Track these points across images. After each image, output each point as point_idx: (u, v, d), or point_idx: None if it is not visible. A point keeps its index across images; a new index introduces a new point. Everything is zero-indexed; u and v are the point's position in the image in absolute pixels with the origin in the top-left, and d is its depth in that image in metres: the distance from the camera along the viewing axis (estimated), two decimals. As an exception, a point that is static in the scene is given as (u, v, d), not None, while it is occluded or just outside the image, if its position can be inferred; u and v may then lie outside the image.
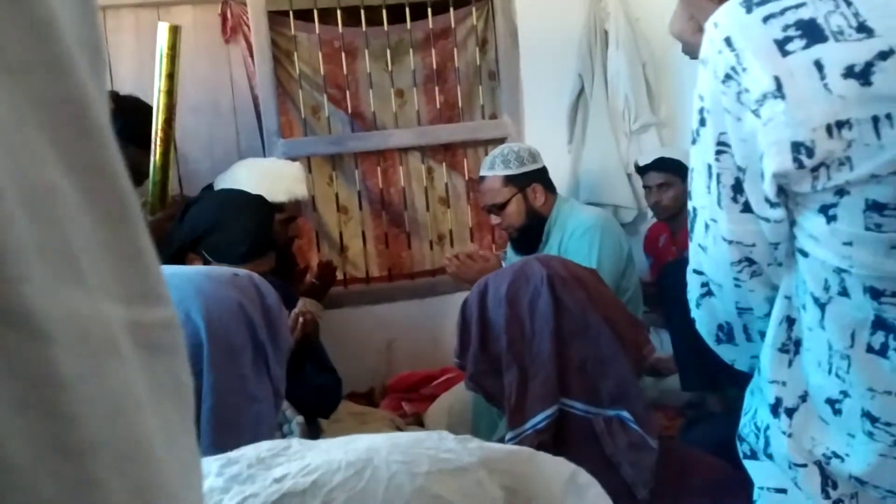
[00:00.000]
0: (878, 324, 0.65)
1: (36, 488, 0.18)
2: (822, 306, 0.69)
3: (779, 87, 0.59)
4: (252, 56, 2.72)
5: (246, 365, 0.98)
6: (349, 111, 2.88)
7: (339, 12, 2.80)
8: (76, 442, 0.19)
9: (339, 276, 2.87)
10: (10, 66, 0.19)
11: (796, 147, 0.60)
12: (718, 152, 0.68)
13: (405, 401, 2.64)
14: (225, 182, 2.16)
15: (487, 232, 3.02)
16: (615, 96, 2.74)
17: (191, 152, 2.77)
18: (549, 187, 2.24)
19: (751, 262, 0.73)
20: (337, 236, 2.94)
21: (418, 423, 2.49)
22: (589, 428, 1.10)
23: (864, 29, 0.57)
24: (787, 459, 0.78)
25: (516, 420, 1.15)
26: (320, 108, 2.88)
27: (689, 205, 0.76)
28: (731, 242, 0.72)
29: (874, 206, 0.59)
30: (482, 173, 2.25)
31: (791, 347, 0.75)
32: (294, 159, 2.74)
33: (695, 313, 0.86)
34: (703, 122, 0.69)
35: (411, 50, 2.89)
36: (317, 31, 2.81)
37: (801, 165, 0.61)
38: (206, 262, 1.66)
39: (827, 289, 0.67)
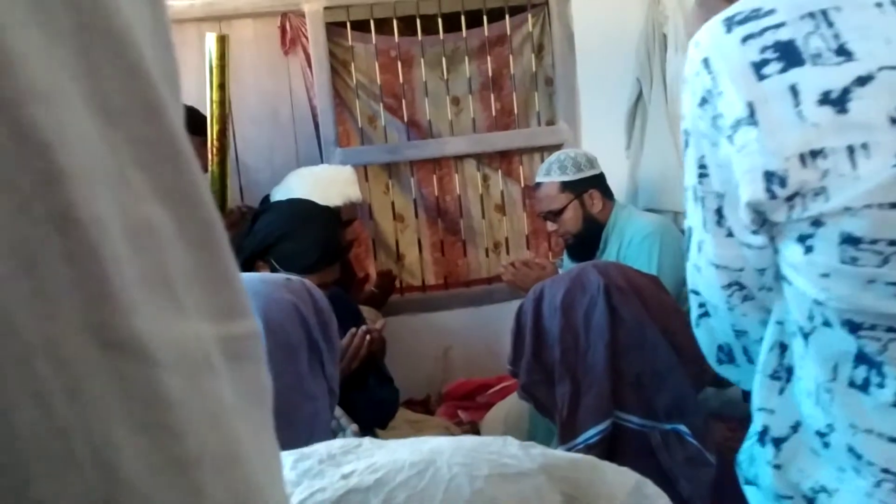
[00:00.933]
0: (861, 357, 0.61)
1: (153, 500, 0.21)
2: (805, 336, 0.66)
3: (752, 113, 0.56)
4: (310, 67, 2.77)
5: (302, 363, 1.01)
6: (405, 120, 2.90)
7: (395, 22, 2.83)
8: (184, 454, 0.21)
9: (396, 283, 2.89)
10: (110, 111, 0.21)
11: (769, 177, 0.57)
12: (700, 175, 0.65)
13: (461, 409, 2.63)
14: (280, 192, 2.20)
15: (544, 239, 2.99)
16: (674, 100, 2.69)
17: (251, 162, 2.82)
18: (607, 193, 2.21)
19: (741, 286, 0.70)
20: (393, 244, 2.95)
21: (474, 431, 2.48)
22: (645, 442, 1.08)
23: (843, 52, 0.53)
24: (773, 491, 0.74)
25: (568, 434, 1.13)
26: (377, 118, 2.90)
27: (685, 223, 0.74)
28: (718, 267, 0.70)
29: (849, 240, 0.56)
30: (538, 179, 2.23)
31: (783, 374, 0.72)
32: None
33: (695, 332, 0.83)
34: (686, 144, 0.66)
35: (467, 58, 2.89)
36: (373, 41, 2.84)
37: (773, 196, 0.57)
38: (274, 271, 1.69)
39: (811, 318, 0.64)
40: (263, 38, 2.79)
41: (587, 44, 2.82)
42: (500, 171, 2.97)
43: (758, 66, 0.56)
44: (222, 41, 1.94)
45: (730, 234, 0.66)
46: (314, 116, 2.81)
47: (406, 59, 2.88)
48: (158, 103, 0.23)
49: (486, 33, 2.89)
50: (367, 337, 1.73)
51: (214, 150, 1.98)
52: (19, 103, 0.18)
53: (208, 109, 2.00)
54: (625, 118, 2.80)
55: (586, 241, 2.16)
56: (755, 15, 0.57)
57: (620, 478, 0.55)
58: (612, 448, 1.09)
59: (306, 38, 2.76)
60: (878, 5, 0.53)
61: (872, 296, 0.57)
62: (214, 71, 1.94)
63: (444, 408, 2.67)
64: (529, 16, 2.90)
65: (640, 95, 2.76)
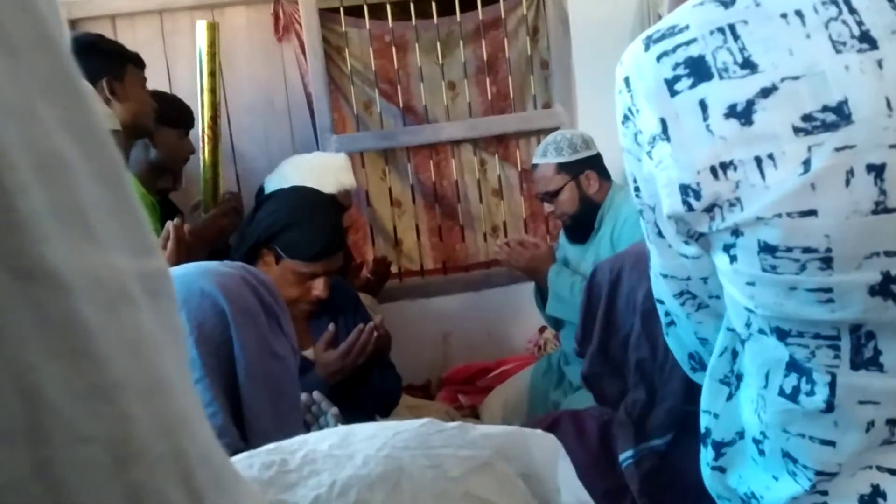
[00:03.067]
0: (791, 365, 0.62)
1: (76, 426, 0.21)
2: (743, 343, 0.67)
3: (664, 129, 0.57)
4: (304, 53, 2.76)
5: (262, 326, 1.05)
6: (401, 105, 2.89)
7: (388, 7, 2.81)
8: (105, 380, 0.22)
9: (394, 269, 2.89)
10: (13, 48, 0.21)
11: (684, 189, 0.57)
12: (635, 189, 0.66)
13: (461, 393, 2.65)
14: (274, 180, 2.20)
15: (541, 223, 2.99)
16: None
17: (247, 150, 2.82)
18: (604, 174, 2.21)
19: (692, 294, 0.70)
20: (391, 230, 2.95)
21: (474, 415, 2.49)
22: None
23: (748, 65, 0.54)
24: (713, 490, 0.75)
25: (639, 436, 1.13)
26: (372, 104, 2.89)
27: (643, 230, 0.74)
28: (666, 277, 0.70)
29: (766, 248, 0.56)
30: (535, 161, 2.23)
31: (732, 381, 0.72)
32: (347, 154, 2.77)
33: (667, 341, 0.84)
34: (624, 159, 0.67)
35: (462, 42, 2.88)
36: (367, 27, 2.83)
37: (691, 208, 0.58)
38: (278, 259, 1.69)
39: (748, 325, 0.65)
40: (256, 25, 2.78)
41: (582, 26, 2.80)
42: (496, 156, 2.96)
43: (671, 83, 0.57)
44: (212, 28, 1.94)
45: (670, 245, 0.66)
46: (309, 103, 2.80)
47: (400, 45, 2.87)
48: (52, 36, 0.23)
49: (481, 17, 2.87)
50: (374, 333, 1.73)
51: (207, 137, 1.97)
52: None
53: (199, 97, 1.99)
54: (621, 100, 2.79)
55: (582, 222, 2.16)
56: (670, 32, 0.58)
57: (544, 443, 0.54)
58: (671, 453, 1.10)
59: (299, 25, 2.74)
60: (783, 16, 0.54)
61: (795, 303, 0.57)
62: (205, 58, 1.94)
63: (444, 392, 2.68)
64: (524, -2, 2.89)
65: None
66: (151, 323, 0.24)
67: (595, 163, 2.18)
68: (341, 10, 2.80)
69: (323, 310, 1.80)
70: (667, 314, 0.79)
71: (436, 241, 2.98)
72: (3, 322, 0.20)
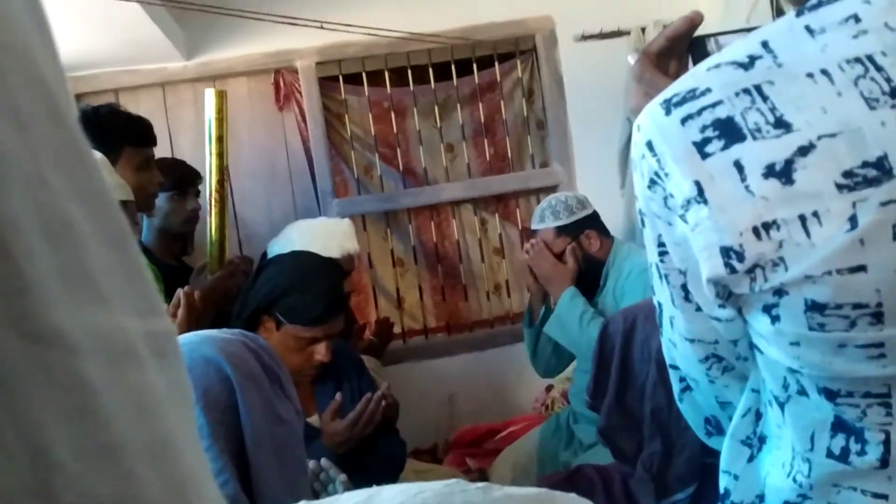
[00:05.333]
0: (839, 425, 0.61)
1: (85, 485, 0.21)
2: (781, 405, 0.65)
3: (700, 192, 0.57)
4: (305, 121, 2.81)
5: (266, 389, 1.05)
6: (401, 168, 2.93)
7: (386, 74, 2.87)
8: (111, 441, 0.22)
9: (398, 329, 2.88)
10: (22, 118, 0.22)
11: (726, 252, 0.57)
12: (661, 254, 0.65)
13: (469, 456, 2.61)
14: (279, 245, 2.21)
15: (544, 280, 3.00)
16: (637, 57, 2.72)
17: (250, 216, 2.84)
18: (603, 232, 2.22)
19: (718, 358, 0.69)
20: (394, 290, 2.96)
21: (483, 478, 2.45)
22: None
23: (781, 124, 0.54)
24: None
25: (660, 492, 1.12)
26: (372, 167, 2.93)
27: (654, 298, 0.73)
28: (693, 341, 0.68)
29: (814, 307, 0.55)
30: (533, 227, 2.25)
31: (755, 443, 0.71)
32: (349, 218, 2.80)
33: (680, 407, 0.82)
34: (643, 223, 0.66)
35: (459, 105, 2.93)
36: (366, 94, 2.89)
37: (733, 270, 0.57)
38: (279, 325, 1.69)
39: (786, 387, 0.64)
40: (258, 94, 2.84)
41: (576, 87, 2.86)
42: (497, 215, 2.99)
43: (700, 146, 0.57)
44: (220, 96, 1.99)
45: (698, 309, 0.65)
46: (310, 169, 2.84)
47: (399, 109, 2.93)
48: (61, 109, 0.24)
49: (477, 81, 2.94)
50: (382, 402, 1.72)
51: (214, 200, 2.00)
52: None
53: (207, 162, 2.03)
54: (617, 157, 2.83)
55: (588, 280, 2.16)
56: (691, 96, 0.58)
57: None
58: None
59: (300, 94, 2.80)
60: (810, 75, 0.54)
61: (844, 360, 0.56)
62: (213, 125, 1.98)
63: (451, 456, 2.64)
64: (518, 62, 2.96)
65: (631, 132, 2.79)
66: (158, 382, 0.25)
67: (593, 221, 2.20)
68: (340, 78, 2.86)
69: (327, 375, 1.79)
70: (681, 380, 0.77)
71: (438, 300, 2.99)
72: (11, 382, 0.20)
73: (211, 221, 2.03)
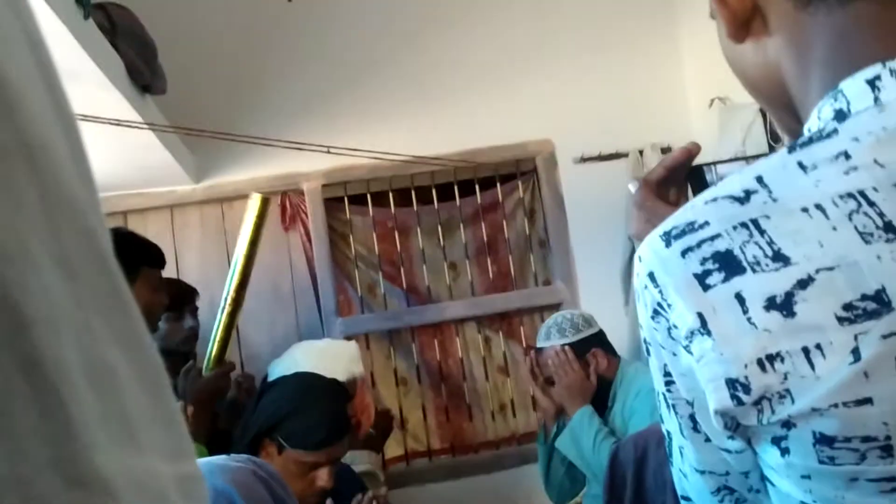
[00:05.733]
0: None
1: None
2: None
3: (703, 323, 0.57)
4: (310, 241, 2.84)
5: None
6: (404, 286, 2.95)
7: (390, 195, 2.94)
8: None
9: (400, 451, 2.81)
10: (71, 267, 0.24)
11: (732, 384, 0.57)
12: (667, 383, 0.65)
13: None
14: (283, 365, 2.19)
15: (549, 399, 2.95)
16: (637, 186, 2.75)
17: (252, 335, 2.83)
18: (610, 350, 2.20)
19: (730, 490, 0.67)
20: (397, 410, 2.90)
21: None
22: None
23: (780, 257, 0.54)
24: None
25: None
26: (376, 286, 2.95)
27: (663, 427, 0.72)
28: (703, 473, 0.67)
29: (823, 440, 0.55)
30: (539, 345, 2.23)
31: None
32: (352, 337, 2.78)
33: None
34: (648, 352, 0.67)
35: (462, 224, 2.98)
36: (370, 214, 2.94)
37: (740, 402, 0.57)
38: (280, 449, 1.65)
39: None
40: (264, 215, 2.88)
41: (577, 206, 2.92)
42: (500, 333, 2.98)
43: (701, 278, 0.57)
44: (265, 202, 2.06)
45: (708, 440, 0.64)
46: (315, 288, 2.86)
47: (403, 229, 2.97)
48: (106, 257, 0.26)
49: (479, 201, 3.00)
50: (374, 503, 1.67)
51: (230, 299, 2.02)
52: None
53: (235, 264, 2.06)
54: (620, 275, 2.85)
55: (596, 400, 2.13)
56: (690, 228, 0.59)
57: None
58: None
59: (305, 214, 2.86)
60: (804, 210, 0.56)
61: (857, 494, 0.55)
62: (252, 228, 2.04)
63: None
64: (519, 182, 3.03)
65: (632, 252, 2.82)
66: None
67: (599, 340, 2.19)
68: (346, 199, 2.93)
69: (329, 500, 1.73)
70: None
71: (442, 420, 2.93)
72: None
73: (220, 320, 2.03)
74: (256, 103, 2.82)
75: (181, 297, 2.33)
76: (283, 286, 2.88)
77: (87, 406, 0.22)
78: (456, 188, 2.97)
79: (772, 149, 2.32)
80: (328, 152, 2.44)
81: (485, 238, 3.00)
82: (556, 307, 2.90)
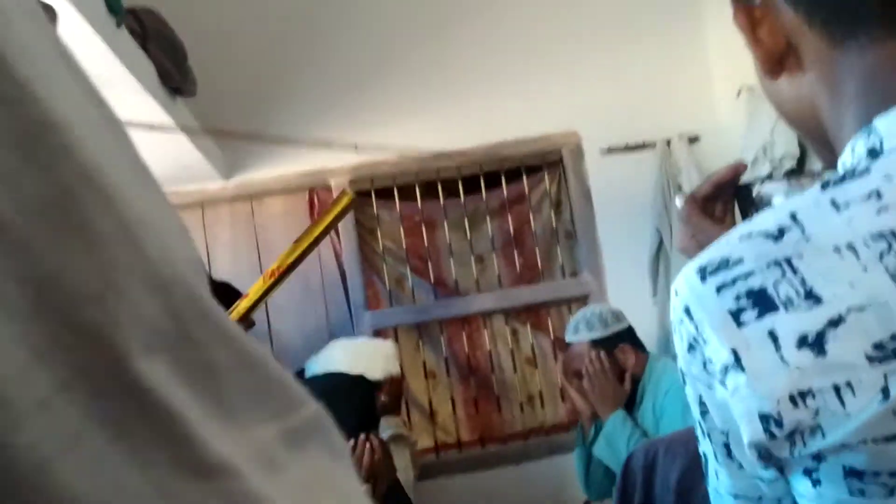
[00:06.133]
0: None
1: None
2: None
3: (737, 359, 0.58)
4: (338, 236, 2.87)
5: None
6: (432, 280, 2.96)
7: (416, 189, 2.95)
8: None
9: (430, 443, 2.84)
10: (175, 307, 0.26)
11: (765, 419, 0.58)
12: (702, 413, 0.66)
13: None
14: (319, 363, 2.22)
15: (578, 390, 2.96)
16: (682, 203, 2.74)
17: (282, 329, 2.87)
18: (639, 346, 2.21)
19: None
20: (426, 403, 2.93)
21: None
22: None
23: (811, 296, 0.56)
24: None
25: None
26: (404, 279, 2.97)
27: (700, 448, 0.74)
28: (737, 497, 0.68)
29: (853, 473, 0.56)
30: (568, 339, 2.24)
31: None
32: (381, 330, 2.81)
33: None
34: (684, 381, 0.68)
35: (488, 217, 2.99)
36: (398, 208, 2.96)
37: (772, 436, 0.58)
38: None
39: None
40: (293, 211, 2.92)
41: (604, 198, 2.91)
42: (528, 325, 2.99)
43: (735, 314, 0.58)
44: (351, 202, 2.15)
45: (741, 467, 0.66)
46: (343, 282, 2.89)
47: (429, 223, 2.99)
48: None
49: (506, 193, 3.00)
50: (368, 444, 1.72)
51: (276, 273, 2.07)
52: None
53: (299, 244, 2.12)
54: (648, 266, 2.84)
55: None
56: (725, 265, 0.60)
57: None
58: None
59: (334, 209, 2.88)
60: (837, 250, 0.56)
61: None
62: (328, 219, 2.12)
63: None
64: (546, 174, 3.03)
65: (661, 244, 2.82)
66: (302, 475, 0.27)
67: (628, 335, 2.19)
68: (373, 193, 2.95)
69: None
70: None
71: (472, 412, 2.95)
72: None
73: (257, 285, 2.08)
74: (284, 100, 2.84)
75: (229, 300, 2.36)
76: (313, 280, 2.91)
77: (194, 407, 0.25)
78: (482, 181, 2.98)
79: (800, 141, 2.30)
80: (356, 149, 2.46)
81: (511, 230, 3.00)
82: (583, 299, 2.90)
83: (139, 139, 1.62)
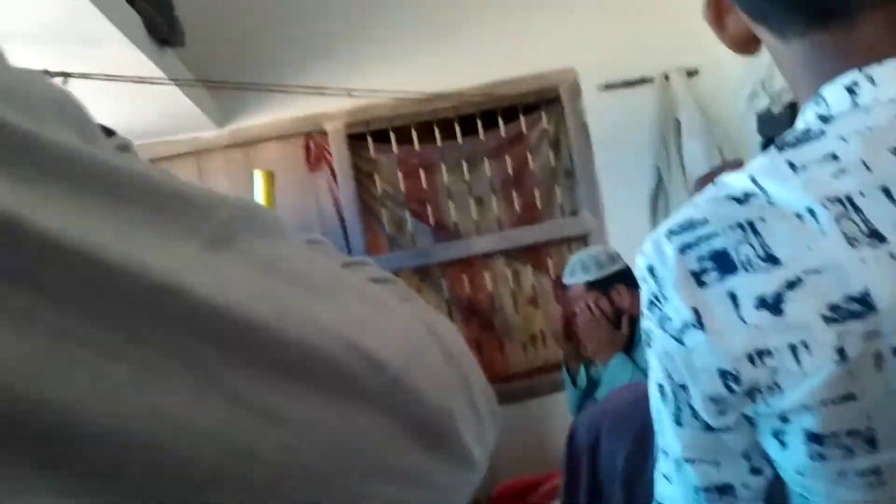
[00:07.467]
0: None
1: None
2: None
3: (698, 318, 0.59)
4: (336, 181, 2.86)
5: None
6: (432, 223, 2.96)
7: (413, 131, 2.92)
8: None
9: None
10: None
11: (723, 374, 0.60)
12: (666, 370, 0.67)
13: (513, 511, 2.59)
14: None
15: (579, 328, 2.99)
16: (694, 184, 2.73)
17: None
18: (636, 286, 2.22)
19: (721, 491, 0.68)
20: (429, 346, 2.96)
21: (528, 534, 2.43)
22: None
23: (770, 259, 0.57)
24: None
25: None
26: (404, 223, 2.97)
27: (653, 412, 0.74)
28: (690, 461, 0.68)
29: (812, 437, 0.58)
30: (564, 281, 2.26)
31: None
32: (382, 276, 2.82)
33: None
34: (648, 343, 0.69)
35: (486, 158, 2.97)
36: (395, 152, 2.93)
37: (731, 391, 0.60)
38: None
39: None
40: (289, 158, 2.90)
41: (602, 135, 2.89)
42: (529, 265, 3.00)
43: (697, 275, 0.60)
44: (269, 176, 2.10)
45: (707, 428, 0.66)
46: (343, 228, 2.89)
47: (427, 166, 2.97)
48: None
49: (503, 134, 2.97)
50: None
51: None
52: None
53: None
54: (647, 204, 2.84)
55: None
56: (690, 226, 0.61)
57: None
58: None
59: (330, 155, 2.86)
60: (798, 216, 0.57)
61: (846, 489, 0.59)
62: (263, 202, 2.08)
63: (495, 512, 2.62)
64: (543, 113, 2.99)
65: (659, 181, 2.80)
66: (243, 266, 0.28)
67: (624, 277, 2.20)
68: (369, 137, 2.92)
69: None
70: None
71: (475, 353, 2.98)
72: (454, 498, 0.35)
73: None
74: (276, 47, 2.79)
75: None
76: (312, 227, 2.91)
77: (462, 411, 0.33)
78: (479, 122, 2.94)
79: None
80: (349, 96, 2.42)
81: (510, 171, 2.98)
82: (583, 238, 2.91)
83: (130, 92, 1.58)
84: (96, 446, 0.23)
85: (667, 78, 2.83)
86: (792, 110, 2.37)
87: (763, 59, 2.47)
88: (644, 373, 2.07)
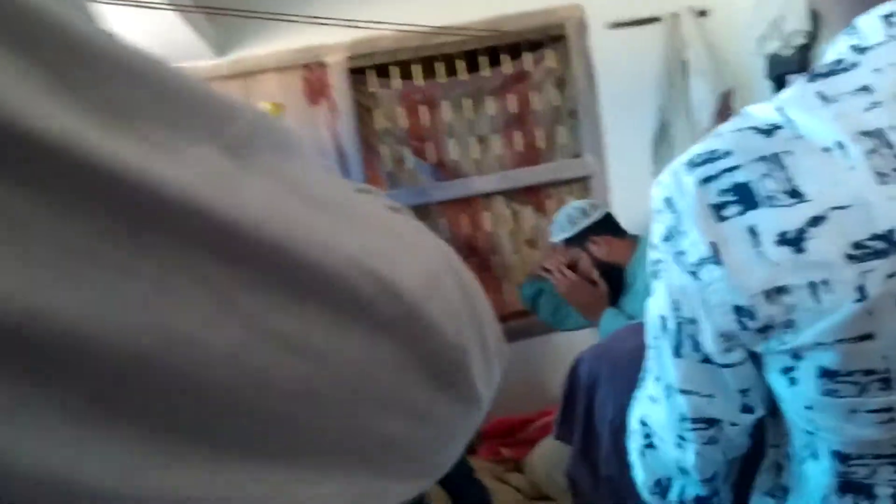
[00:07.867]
0: (846, 486, 0.62)
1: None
2: (799, 464, 0.67)
3: (715, 253, 0.58)
4: (336, 115, 2.82)
5: None
6: (432, 161, 2.94)
7: (416, 68, 2.87)
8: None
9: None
10: None
11: (738, 310, 0.58)
12: (674, 304, 0.65)
13: (503, 446, 2.63)
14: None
15: (577, 270, 2.99)
16: (700, 126, 2.69)
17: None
18: (617, 233, 2.21)
19: (709, 423, 0.68)
20: (427, 284, 2.97)
21: (517, 469, 2.47)
22: None
23: (795, 194, 0.55)
24: None
25: None
26: (404, 161, 2.94)
27: (650, 343, 0.72)
28: (685, 392, 0.67)
29: (826, 374, 0.57)
30: (550, 239, 2.30)
31: (779, 493, 0.72)
32: (381, 212, 2.81)
33: (634, 462, 0.80)
34: (656, 275, 0.67)
35: (489, 96, 2.92)
36: (396, 87, 2.89)
37: (744, 327, 0.58)
38: None
39: (802, 447, 0.65)
40: (288, 90, 2.85)
41: (608, 75, 2.83)
42: (529, 206, 2.98)
43: (717, 208, 0.58)
44: (277, 109, 2.08)
45: (704, 360, 0.65)
46: (342, 163, 2.86)
47: (430, 102, 2.93)
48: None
49: (507, 71, 2.92)
50: None
51: None
52: None
53: None
54: (650, 146, 2.80)
55: (609, 283, 2.17)
56: (712, 157, 0.59)
57: None
58: None
59: (330, 87, 2.82)
60: (826, 150, 0.55)
61: (855, 426, 0.58)
62: None
63: (485, 446, 2.66)
64: (548, 51, 2.93)
65: (663, 124, 2.76)
66: (259, 180, 0.27)
67: (599, 227, 2.20)
68: (370, 70, 2.87)
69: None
70: (647, 436, 0.77)
71: (473, 292, 2.99)
72: (454, 430, 0.35)
73: None
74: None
75: None
76: (312, 162, 2.89)
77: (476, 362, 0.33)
78: (483, 59, 2.89)
79: (813, 14, 2.20)
80: (352, 27, 2.37)
81: (513, 110, 2.94)
82: (584, 180, 2.88)
83: (128, 18, 1.54)
84: (104, 363, 0.21)
85: (676, 17, 2.77)
86: (803, 53, 2.32)
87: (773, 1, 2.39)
88: (631, 317, 2.08)
